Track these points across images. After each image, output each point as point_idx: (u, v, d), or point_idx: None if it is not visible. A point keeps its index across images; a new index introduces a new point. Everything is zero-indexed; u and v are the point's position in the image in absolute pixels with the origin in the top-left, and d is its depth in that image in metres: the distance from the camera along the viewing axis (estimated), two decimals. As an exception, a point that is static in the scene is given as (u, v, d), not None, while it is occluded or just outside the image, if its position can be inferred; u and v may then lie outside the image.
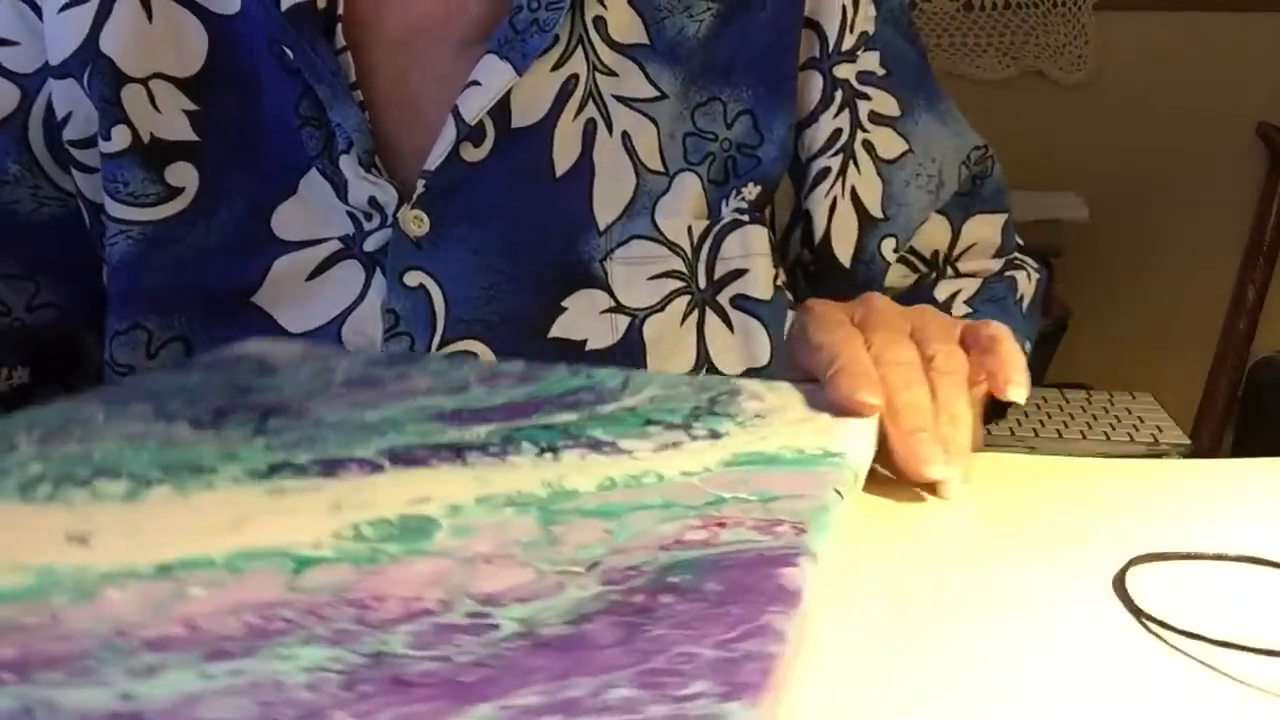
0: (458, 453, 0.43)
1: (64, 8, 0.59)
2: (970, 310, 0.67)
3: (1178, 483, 0.50)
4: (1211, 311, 1.88)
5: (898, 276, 0.69)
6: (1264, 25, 1.82)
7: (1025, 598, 0.38)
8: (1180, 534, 0.42)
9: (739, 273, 0.63)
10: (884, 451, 0.46)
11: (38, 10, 0.60)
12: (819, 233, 0.66)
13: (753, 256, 0.63)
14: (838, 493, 0.39)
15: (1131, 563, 0.40)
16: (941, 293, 0.69)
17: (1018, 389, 0.48)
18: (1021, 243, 0.76)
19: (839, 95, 0.64)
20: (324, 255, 0.60)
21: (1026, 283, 0.72)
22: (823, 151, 0.65)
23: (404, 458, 0.42)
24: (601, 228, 0.60)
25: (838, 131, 0.65)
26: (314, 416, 0.45)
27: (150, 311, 0.61)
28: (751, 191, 0.63)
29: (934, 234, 0.69)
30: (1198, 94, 1.85)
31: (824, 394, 0.47)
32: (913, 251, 0.69)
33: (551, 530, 0.37)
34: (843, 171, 0.65)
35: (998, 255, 0.72)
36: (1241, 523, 0.44)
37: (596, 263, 0.60)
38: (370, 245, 0.59)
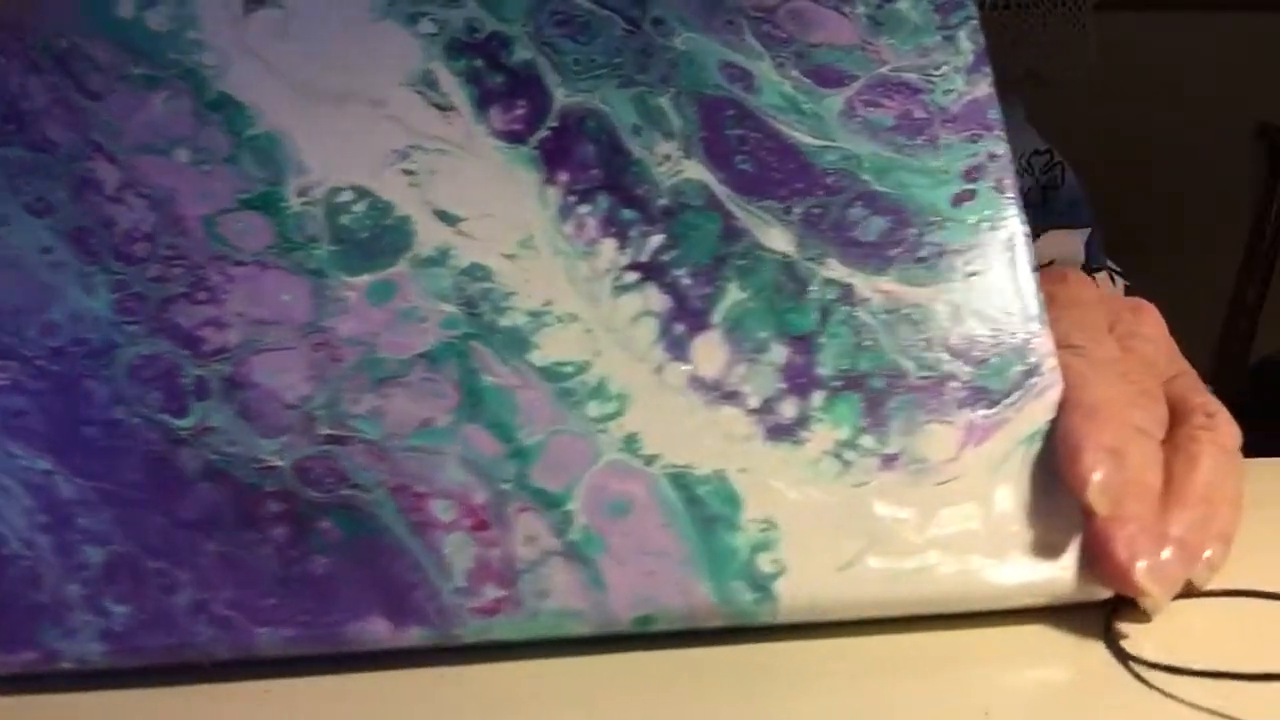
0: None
1: None
2: None
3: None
4: (1211, 311, 1.88)
5: None
6: (1264, 25, 1.81)
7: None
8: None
9: None
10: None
11: None
12: None
13: None
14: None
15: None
16: None
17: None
18: (1114, 267, 0.70)
19: None
20: None
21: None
22: None
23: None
24: None
25: None
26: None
27: None
28: None
29: None
30: (1198, 94, 1.84)
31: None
32: None
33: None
34: None
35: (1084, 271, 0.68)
36: (1241, 523, 0.43)
37: None
38: None
